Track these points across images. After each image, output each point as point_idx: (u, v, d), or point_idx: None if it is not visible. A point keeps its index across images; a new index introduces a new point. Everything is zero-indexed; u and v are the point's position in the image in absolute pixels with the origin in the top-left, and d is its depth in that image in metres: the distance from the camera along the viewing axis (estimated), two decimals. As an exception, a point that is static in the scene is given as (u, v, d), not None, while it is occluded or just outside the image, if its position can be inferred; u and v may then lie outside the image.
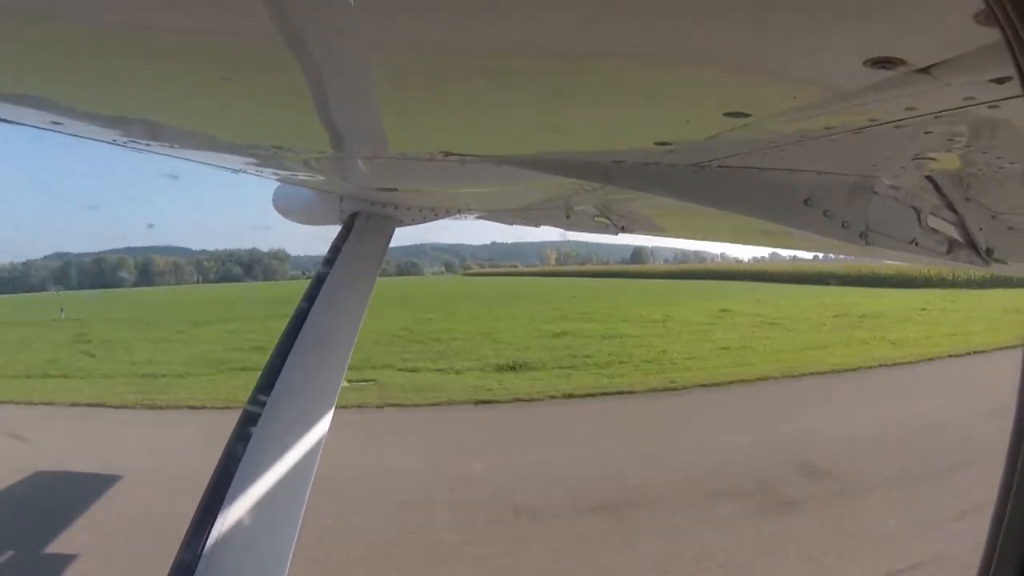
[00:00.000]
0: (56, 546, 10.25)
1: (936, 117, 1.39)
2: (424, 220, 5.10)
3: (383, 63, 1.32)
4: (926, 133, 1.63)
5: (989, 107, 1.23)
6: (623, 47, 1.11)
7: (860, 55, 0.99)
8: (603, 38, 1.07)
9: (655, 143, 1.86)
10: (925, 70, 1.03)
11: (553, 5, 0.90)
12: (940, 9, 0.86)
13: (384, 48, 1.21)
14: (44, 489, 12.93)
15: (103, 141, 2.52)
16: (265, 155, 2.79)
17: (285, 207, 6.18)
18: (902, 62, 1.00)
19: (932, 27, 0.92)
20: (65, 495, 12.46)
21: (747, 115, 1.42)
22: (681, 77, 1.26)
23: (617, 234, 4.86)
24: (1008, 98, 1.16)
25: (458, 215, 5.52)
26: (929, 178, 2.72)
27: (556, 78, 1.33)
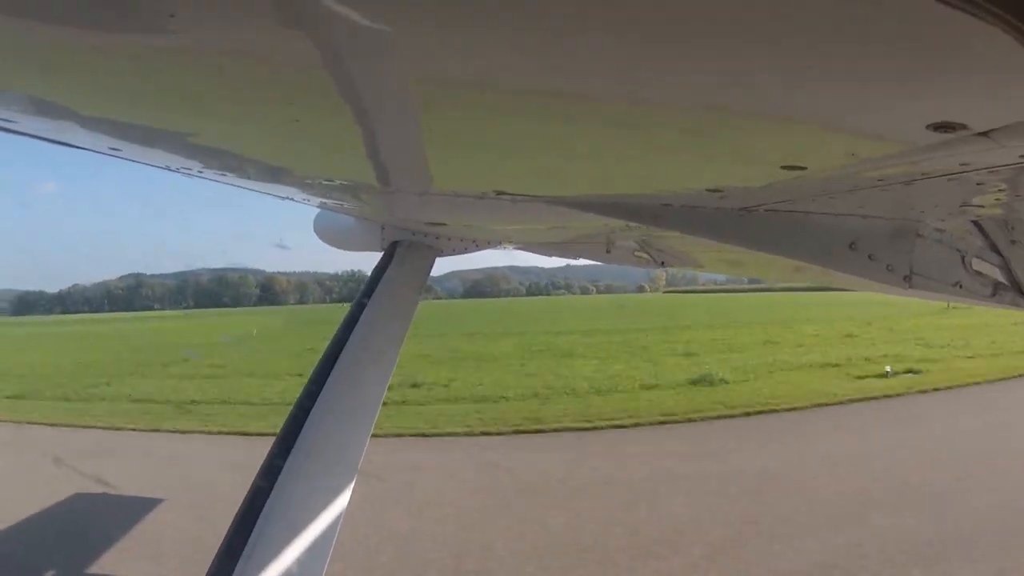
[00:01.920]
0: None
1: (989, 172, 1.40)
2: (465, 251, 5.17)
3: (437, 101, 1.35)
4: (977, 184, 1.64)
5: None
6: (685, 96, 1.13)
7: (923, 119, 1.01)
8: (665, 86, 1.09)
9: (707, 189, 1.89)
10: (985, 134, 1.05)
11: (613, 51, 0.91)
12: (1004, 78, 0.88)
13: (439, 88, 1.23)
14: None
15: (159, 167, 2.61)
16: (317, 186, 2.86)
17: (326, 232, 6.30)
18: (963, 127, 1.02)
19: (996, 95, 0.94)
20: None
21: (803, 168, 1.44)
22: (743, 129, 1.28)
23: (657, 268, 4.87)
24: None
25: (499, 246, 5.58)
26: (974, 222, 2.71)
27: (613, 124, 1.35)
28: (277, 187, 3.11)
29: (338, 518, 3.99)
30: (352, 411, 4.29)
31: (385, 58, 1.07)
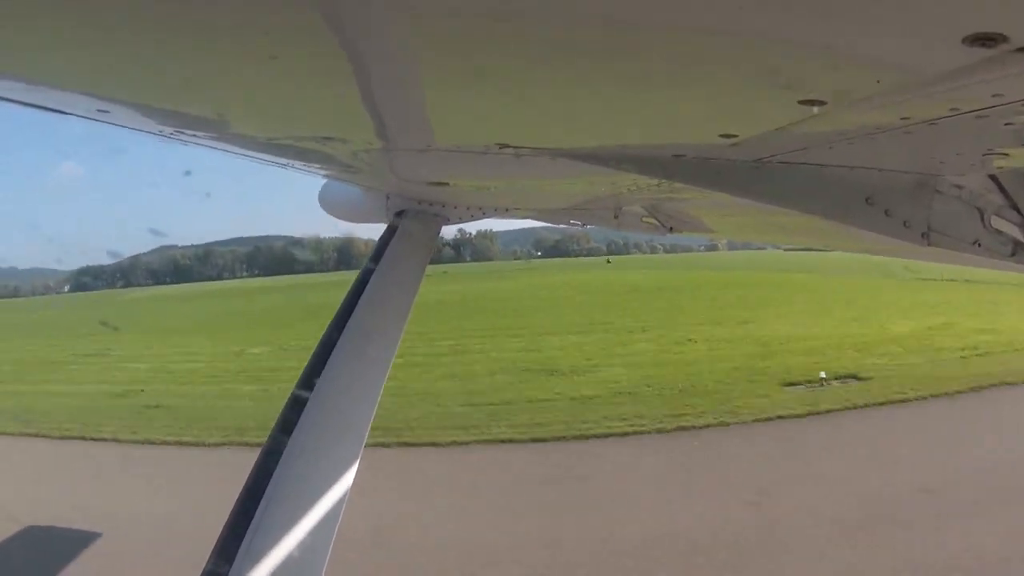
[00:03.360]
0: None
1: (1023, 104, 1.32)
2: (472, 218, 5.10)
3: (435, 50, 1.29)
4: (1006, 125, 1.56)
5: None
6: (690, 26, 1.07)
7: (960, 31, 0.94)
8: (668, 16, 1.03)
9: (720, 135, 1.82)
10: None
11: None
12: None
13: (437, 35, 1.18)
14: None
15: (152, 132, 2.55)
16: (314, 148, 2.80)
17: (331, 204, 6.25)
18: (1004, 39, 0.94)
19: None
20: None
21: (823, 103, 1.37)
22: (755, 55, 1.20)
23: (666, 234, 4.81)
24: None
25: (505, 214, 5.51)
26: (993, 178, 2.63)
27: (615, 59, 1.27)
28: (276, 151, 3.05)
29: (345, 493, 3.97)
30: (359, 382, 4.27)
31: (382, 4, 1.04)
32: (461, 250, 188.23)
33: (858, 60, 1.15)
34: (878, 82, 1.22)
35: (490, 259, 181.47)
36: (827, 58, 1.16)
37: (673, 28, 1.09)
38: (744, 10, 0.96)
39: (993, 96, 1.29)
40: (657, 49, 1.19)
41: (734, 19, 1.01)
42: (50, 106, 2.03)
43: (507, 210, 5.43)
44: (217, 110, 2.13)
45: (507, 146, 2.22)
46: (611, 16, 1.03)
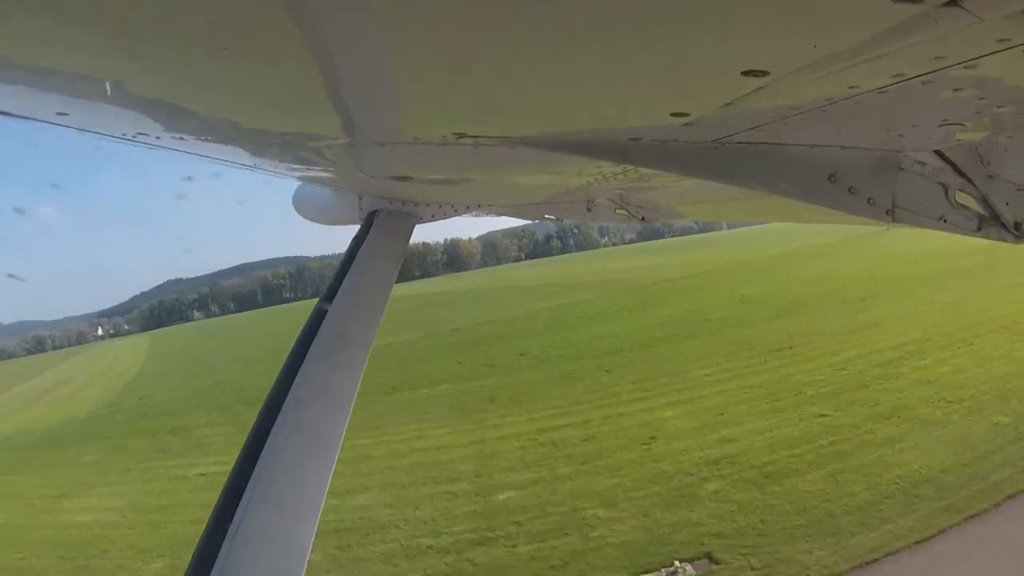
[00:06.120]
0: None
1: (966, 67, 1.31)
2: (444, 216, 5.07)
3: (389, 41, 1.28)
4: (955, 91, 1.56)
5: None
6: (626, 3, 1.06)
7: None
8: None
9: (671, 114, 1.80)
10: (955, 2, 0.96)
11: None
12: None
13: (389, 25, 1.16)
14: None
15: (113, 136, 2.48)
16: (278, 145, 2.76)
17: (305, 207, 6.20)
18: None
19: None
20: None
21: (766, 73, 1.35)
22: (692, 31, 1.19)
23: (639, 223, 4.80)
24: None
25: (478, 211, 5.48)
26: (946, 158, 2.63)
27: (562, 45, 1.27)
28: (241, 152, 3.00)
29: (322, 494, 3.94)
30: (335, 382, 4.23)
31: None
32: (566, 241, 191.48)
33: (791, 24, 1.13)
34: (815, 47, 1.20)
35: (596, 247, 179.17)
36: (761, 24, 1.14)
37: (610, 5, 1.07)
38: None
39: (935, 59, 1.28)
40: (597, 29, 1.17)
41: None
42: (7, 110, 1.97)
43: (479, 207, 5.41)
44: (176, 107, 2.08)
45: (464, 136, 2.19)
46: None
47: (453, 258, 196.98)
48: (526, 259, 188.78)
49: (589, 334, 37.73)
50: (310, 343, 4.16)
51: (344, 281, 4.46)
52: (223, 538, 3.45)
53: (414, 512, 18.02)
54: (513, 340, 39.58)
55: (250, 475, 3.66)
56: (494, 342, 39.80)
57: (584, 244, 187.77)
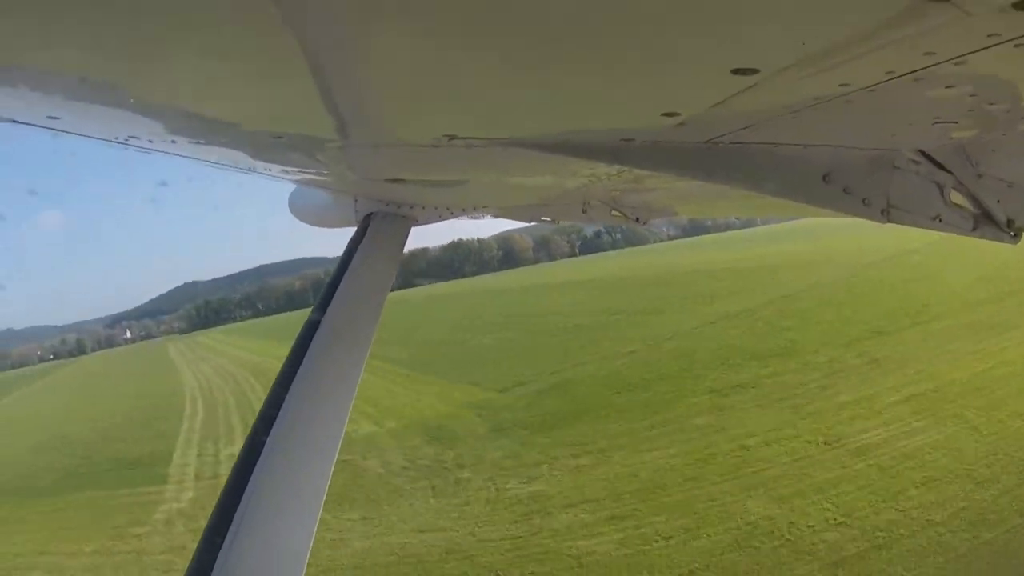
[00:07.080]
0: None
1: (957, 63, 1.30)
2: (440, 218, 5.06)
3: (378, 41, 1.27)
4: (947, 88, 1.55)
5: (1015, 45, 1.15)
6: (612, 3, 1.05)
7: None
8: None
9: (662, 114, 1.79)
10: None
11: None
12: None
13: (378, 24, 1.16)
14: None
15: (105, 140, 2.47)
16: (270, 147, 2.75)
17: (300, 210, 6.20)
18: None
19: None
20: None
21: (755, 71, 1.35)
22: (679, 29, 1.18)
23: (635, 224, 4.80)
24: None
25: (475, 213, 5.48)
26: (930, 158, 2.63)
27: (547, 47, 1.26)
28: (234, 154, 3.00)
29: (322, 495, 3.94)
30: (332, 386, 4.23)
31: None
32: (613, 236, 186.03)
33: (779, 21, 1.13)
34: (804, 43, 1.19)
35: (645, 242, 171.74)
36: (750, 22, 1.14)
37: (597, 4, 1.07)
38: None
39: (925, 55, 1.27)
40: (583, 28, 1.17)
41: None
42: None
43: (476, 209, 5.40)
44: (167, 109, 2.07)
45: (455, 137, 2.19)
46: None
47: (508, 253, 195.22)
48: (579, 255, 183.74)
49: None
50: (308, 345, 4.16)
51: (341, 283, 4.46)
52: (223, 539, 3.45)
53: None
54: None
55: (250, 476, 3.67)
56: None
57: (632, 239, 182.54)
